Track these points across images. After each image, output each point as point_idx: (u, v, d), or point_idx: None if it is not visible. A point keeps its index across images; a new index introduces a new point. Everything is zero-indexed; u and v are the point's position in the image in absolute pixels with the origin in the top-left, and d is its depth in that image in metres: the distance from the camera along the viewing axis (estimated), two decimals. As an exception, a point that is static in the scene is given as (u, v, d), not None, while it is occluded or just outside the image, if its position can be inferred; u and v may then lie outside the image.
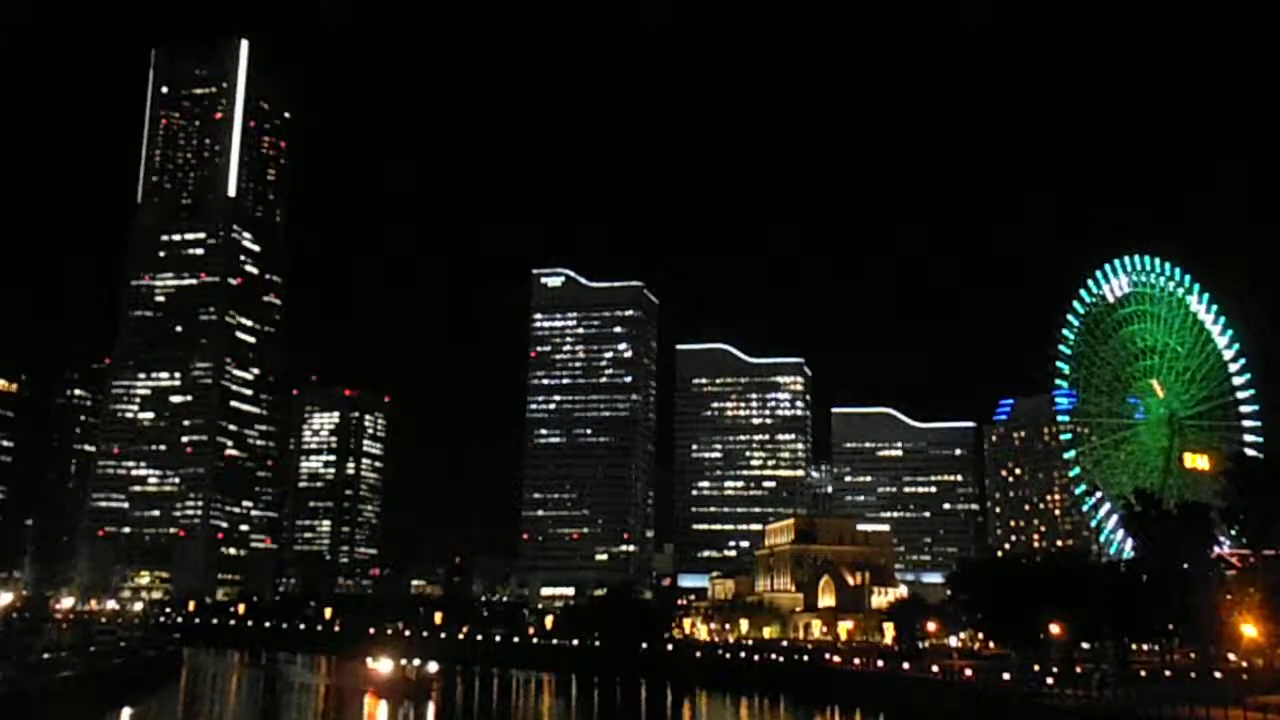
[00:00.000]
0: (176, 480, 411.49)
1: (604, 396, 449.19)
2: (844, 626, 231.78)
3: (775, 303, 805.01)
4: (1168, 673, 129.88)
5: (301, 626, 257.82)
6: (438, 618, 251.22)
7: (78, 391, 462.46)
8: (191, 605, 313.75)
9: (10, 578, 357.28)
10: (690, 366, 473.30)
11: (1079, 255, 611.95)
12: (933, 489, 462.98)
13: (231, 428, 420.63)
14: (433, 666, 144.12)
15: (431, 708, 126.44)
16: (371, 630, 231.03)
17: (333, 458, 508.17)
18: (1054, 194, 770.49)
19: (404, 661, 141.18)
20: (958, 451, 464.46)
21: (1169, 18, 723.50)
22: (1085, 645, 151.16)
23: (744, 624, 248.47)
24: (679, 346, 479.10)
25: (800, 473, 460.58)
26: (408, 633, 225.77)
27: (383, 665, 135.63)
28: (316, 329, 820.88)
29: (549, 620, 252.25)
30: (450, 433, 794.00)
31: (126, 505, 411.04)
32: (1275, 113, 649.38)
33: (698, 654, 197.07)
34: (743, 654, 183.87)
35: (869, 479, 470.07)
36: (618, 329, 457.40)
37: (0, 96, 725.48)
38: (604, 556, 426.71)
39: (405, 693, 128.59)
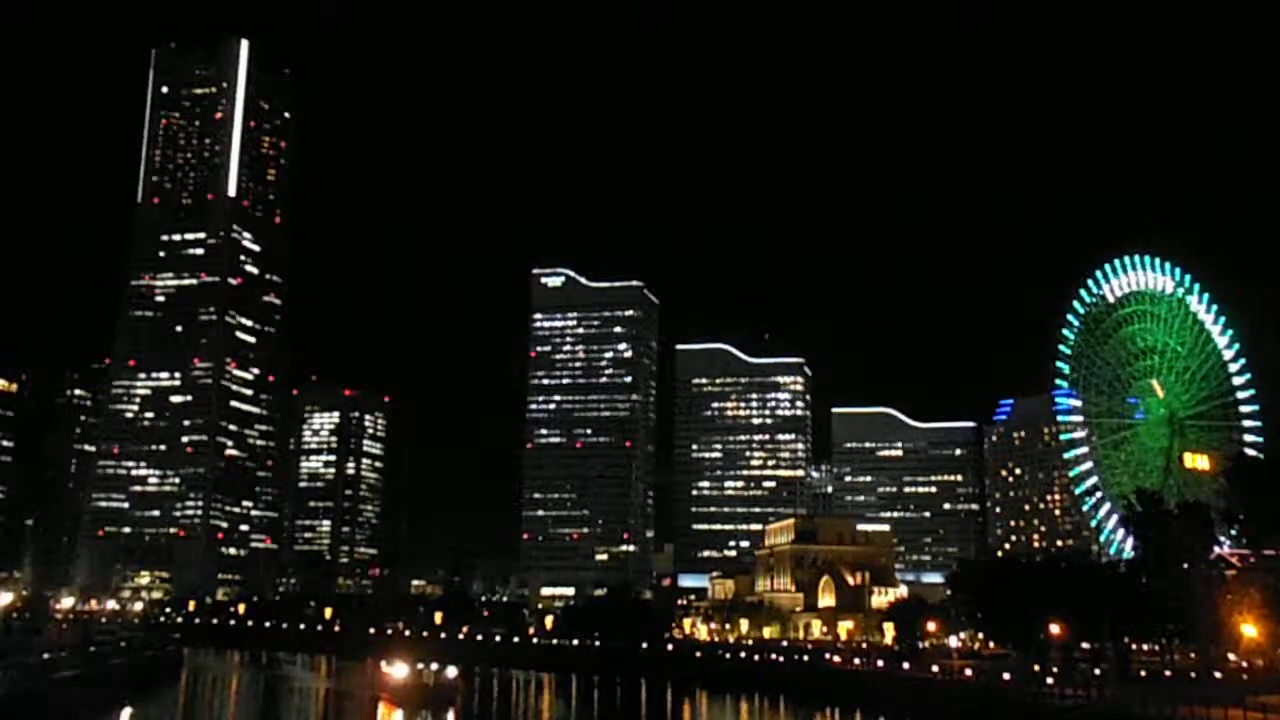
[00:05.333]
0: (176, 480, 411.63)
1: (604, 396, 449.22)
2: (844, 626, 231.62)
3: (775, 303, 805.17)
4: (1168, 673, 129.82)
5: (301, 627, 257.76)
6: (438, 618, 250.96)
7: (78, 391, 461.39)
8: (191, 605, 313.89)
9: (10, 578, 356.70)
10: (690, 366, 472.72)
11: (1079, 255, 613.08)
12: (933, 489, 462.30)
13: (231, 428, 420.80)
14: (451, 671, 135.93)
15: (451, 717, 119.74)
16: (372, 630, 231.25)
17: (333, 458, 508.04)
18: (1054, 193, 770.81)
19: (420, 665, 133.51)
20: (958, 451, 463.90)
21: (1170, 17, 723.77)
22: (1085, 645, 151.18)
23: (744, 624, 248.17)
24: (679, 346, 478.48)
25: (800, 473, 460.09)
26: (408, 633, 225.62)
27: (397, 670, 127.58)
28: (316, 329, 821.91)
29: (549, 620, 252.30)
30: (450, 433, 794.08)
31: (126, 505, 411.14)
32: (1276, 112, 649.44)
33: (698, 654, 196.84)
34: (743, 654, 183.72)
35: (869, 479, 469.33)
36: (618, 329, 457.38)
37: (0, 96, 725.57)
38: (604, 556, 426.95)
39: (423, 700, 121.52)
